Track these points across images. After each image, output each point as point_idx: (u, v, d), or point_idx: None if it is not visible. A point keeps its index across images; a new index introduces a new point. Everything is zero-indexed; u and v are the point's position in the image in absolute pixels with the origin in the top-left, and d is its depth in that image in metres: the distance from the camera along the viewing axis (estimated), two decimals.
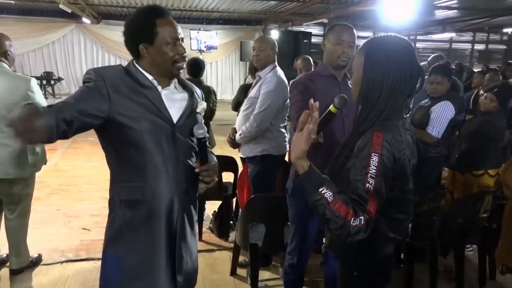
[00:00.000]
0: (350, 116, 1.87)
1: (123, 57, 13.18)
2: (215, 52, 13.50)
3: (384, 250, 1.43)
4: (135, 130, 1.50)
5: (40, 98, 2.76)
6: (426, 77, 3.10)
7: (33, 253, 3.08)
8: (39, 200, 4.39)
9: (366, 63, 1.34)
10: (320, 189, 1.21)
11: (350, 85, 2.28)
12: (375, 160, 1.23)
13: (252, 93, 3.04)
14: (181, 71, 1.64)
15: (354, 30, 2.20)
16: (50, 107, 1.40)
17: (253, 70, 3.91)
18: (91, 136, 1.71)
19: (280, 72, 3.03)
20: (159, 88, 1.59)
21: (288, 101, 3.06)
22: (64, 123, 1.37)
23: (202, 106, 1.71)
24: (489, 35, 15.66)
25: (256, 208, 2.68)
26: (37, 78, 12.41)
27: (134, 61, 1.60)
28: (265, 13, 11.93)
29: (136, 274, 1.58)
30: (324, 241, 1.61)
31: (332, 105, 1.65)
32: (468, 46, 16.15)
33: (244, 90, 3.90)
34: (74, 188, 4.97)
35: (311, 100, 1.24)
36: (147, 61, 1.57)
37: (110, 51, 13.27)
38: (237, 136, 3.06)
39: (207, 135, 1.63)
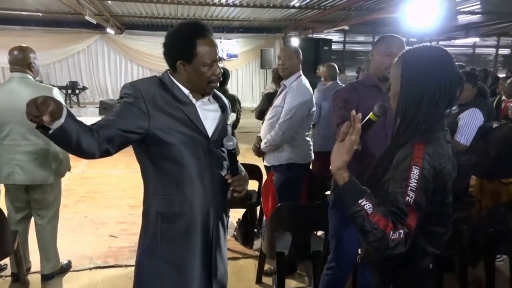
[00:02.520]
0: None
1: (146, 67, 13.45)
2: (236, 60, 13.63)
3: (421, 264, 1.40)
4: (173, 145, 1.54)
5: None
6: None
7: (63, 259, 3.15)
8: (67, 207, 4.49)
9: (403, 74, 1.33)
10: (360, 201, 1.20)
11: None
12: (416, 173, 1.21)
13: (277, 101, 3.06)
14: None
15: (404, 43, 2.17)
16: (93, 125, 1.45)
17: (277, 79, 3.93)
18: None
19: (305, 81, 3.04)
20: (194, 101, 1.61)
21: (313, 109, 3.07)
22: (106, 141, 1.43)
23: (232, 118, 1.75)
24: None
25: (282, 217, 2.68)
26: (62, 87, 12.60)
27: (169, 73, 1.63)
28: (285, 21, 11.98)
29: (171, 284, 1.61)
30: (359, 252, 1.59)
31: (372, 113, 1.63)
32: (492, 51, 15.84)
33: (268, 98, 3.93)
34: (101, 195, 5.07)
35: (353, 111, 1.24)
36: (183, 77, 1.59)
37: (133, 60, 13.55)
38: (262, 145, 3.07)
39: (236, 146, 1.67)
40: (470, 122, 3.04)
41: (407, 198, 1.20)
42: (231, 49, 13.31)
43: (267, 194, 3.38)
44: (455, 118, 3.13)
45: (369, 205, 1.19)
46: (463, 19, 10.85)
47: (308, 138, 3.11)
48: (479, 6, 9.06)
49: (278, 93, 3.20)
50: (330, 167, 1.28)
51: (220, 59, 1.61)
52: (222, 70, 1.62)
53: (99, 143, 1.41)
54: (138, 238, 1.72)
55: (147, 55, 13.19)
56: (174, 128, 1.54)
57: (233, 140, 1.61)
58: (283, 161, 3.01)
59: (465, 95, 3.17)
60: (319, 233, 3.02)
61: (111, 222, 4.18)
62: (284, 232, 2.71)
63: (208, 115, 1.65)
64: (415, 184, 1.20)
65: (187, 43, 1.53)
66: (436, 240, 1.38)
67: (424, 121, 1.30)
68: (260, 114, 4.14)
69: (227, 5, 9.33)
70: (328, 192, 3.52)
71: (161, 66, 13.19)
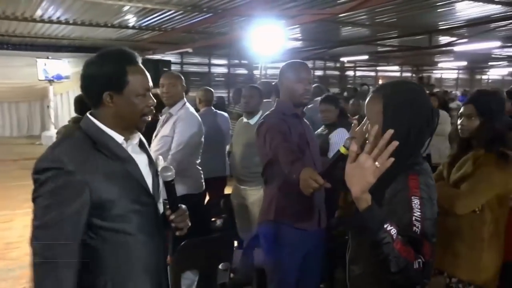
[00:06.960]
0: None
1: None
2: (68, 81, 12.38)
3: None
4: (121, 215, 1.33)
5: None
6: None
7: None
8: None
9: (387, 110, 1.33)
10: (385, 225, 1.13)
11: (306, 121, 2.33)
12: (417, 203, 1.21)
13: (165, 131, 2.87)
14: None
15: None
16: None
17: (158, 106, 3.73)
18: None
19: (192, 108, 2.98)
20: (130, 150, 1.40)
21: (202, 138, 3.00)
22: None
23: (160, 162, 1.60)
24: (326, 62, 17.87)
25: (188, 254, 2.51)
26: None
27: (89, 117, 1.37)
28: (122, 41, 11.44)
29: None
30: None
31: (343, 147, 1.54)
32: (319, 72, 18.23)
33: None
34: None
35: (376, 126, 1.24)
36: (109, 111, 1.35)
37: None
38: None
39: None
40: (340, 140, 3.40)
41: (414, 228, 1.18)
42: (61, 70, 12.04)
43: None
44: (327, 138, 3.46)
45: (394, 230, 1.13)
46: (289, 44, 12.14)
47: (199, 167, 3.02)
48: (299, 35, 10.34)
49: (161, 121, 3.01)
50: (352, 192, 1.18)
51: (152, 88, 1.44)
52: (155, 101, 1.43)
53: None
54: None
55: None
56: (119, 194, 1.31)
57: (172, 170, 1.43)
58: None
59: (329, 116, 3.56)
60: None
61: None
62: (191, 269, 2.55)
63: (142, 163, 1.44)
64: (419, 213, 1.19)
65: (116, 70, 1.33)
66: (428, 270, 1.29)
67: (411, 154, 1.32)
68: None
69: (50, 21, 8.31)
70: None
71: None
